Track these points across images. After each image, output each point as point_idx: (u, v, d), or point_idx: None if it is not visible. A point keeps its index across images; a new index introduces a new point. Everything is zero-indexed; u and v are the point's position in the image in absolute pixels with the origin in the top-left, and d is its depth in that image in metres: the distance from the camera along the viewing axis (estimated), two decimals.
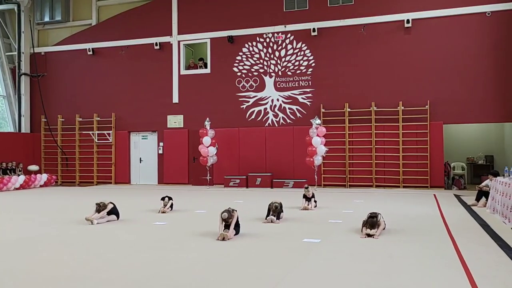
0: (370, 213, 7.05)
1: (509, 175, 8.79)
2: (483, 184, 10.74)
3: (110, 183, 19.05)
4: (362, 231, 6.95)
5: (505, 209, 7.99)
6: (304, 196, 10.36)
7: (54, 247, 6.41)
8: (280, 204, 8.47)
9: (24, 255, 5.95)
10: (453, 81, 15.36)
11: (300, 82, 16.95)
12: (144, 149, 19.12)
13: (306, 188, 10.42)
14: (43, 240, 6.98)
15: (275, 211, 8.37)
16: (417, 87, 15.64)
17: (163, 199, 10.11)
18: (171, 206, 10.07)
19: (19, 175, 17.43)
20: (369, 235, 6.77)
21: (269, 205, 8.48)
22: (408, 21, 15.64)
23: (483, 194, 10.49)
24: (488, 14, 15.07)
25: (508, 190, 7.96)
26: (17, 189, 16.67)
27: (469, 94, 15.20)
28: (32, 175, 17.82)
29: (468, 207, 10.36)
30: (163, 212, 9.77)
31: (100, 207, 8.52)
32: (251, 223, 8.07)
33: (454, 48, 15.38)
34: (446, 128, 15.78)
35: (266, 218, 8.40)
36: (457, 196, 12.84)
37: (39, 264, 5.44)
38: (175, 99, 18.42)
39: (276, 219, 8.33)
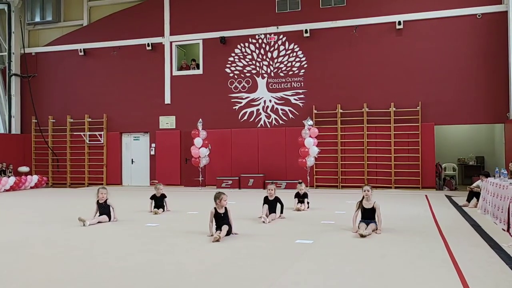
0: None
1: (499, 176, 8.86)
2: (474, 184, 10.82)
3: (102, 184, 18.91)
4: (358, 226, 7.07)
5: (496, 209, 8.05)
6: (297, 195, 10.39)
7: (44, 249, 6.35)
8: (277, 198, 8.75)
9: (14, 257, 5.88)
10: (444, 83, 15.46)
11: (293, 83, 16.97)
12: (136, 150, 19.03)
13: (300, 183, 10.49)
14: (32, 242, 6.91)
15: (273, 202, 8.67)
16: (408, 89, 15.73)
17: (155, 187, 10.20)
18: (163, 207, 10.07)
19: (9, 176, 17.26)
20: (363, 236, 6.77)
21: (265, 198, 8.74)
22: (399, 23, 15.73)
23: (474, 195, 10.57)
24: (479, 16, 15.20)
25: (499, 191, 8.02)
26: (7, 190, 16.50)
27: (460, 95, 15.31)
28: (23, 176, 17.66)
29: (459, 208, 10.43)
30: (156, 213, 9.74)
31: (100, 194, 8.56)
32: (244, 224, 8.04)
33: (445, 49, 15.49)
34: (438, 129, 15.88)
35: (262, 214, 8.53)
36: (449, 197, 12.92)
37: (28, 267, 5.38)
38: (167, 100, 18.36)
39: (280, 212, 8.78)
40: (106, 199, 8.66)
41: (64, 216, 9.59)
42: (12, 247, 6.49)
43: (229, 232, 6.93)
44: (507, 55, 14.73)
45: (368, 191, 7.20)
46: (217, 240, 6.58)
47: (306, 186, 14.74)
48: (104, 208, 8.62)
